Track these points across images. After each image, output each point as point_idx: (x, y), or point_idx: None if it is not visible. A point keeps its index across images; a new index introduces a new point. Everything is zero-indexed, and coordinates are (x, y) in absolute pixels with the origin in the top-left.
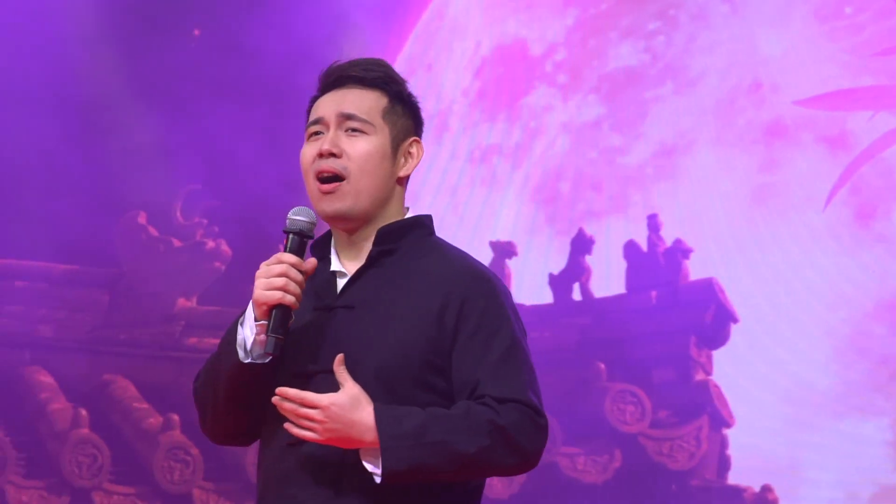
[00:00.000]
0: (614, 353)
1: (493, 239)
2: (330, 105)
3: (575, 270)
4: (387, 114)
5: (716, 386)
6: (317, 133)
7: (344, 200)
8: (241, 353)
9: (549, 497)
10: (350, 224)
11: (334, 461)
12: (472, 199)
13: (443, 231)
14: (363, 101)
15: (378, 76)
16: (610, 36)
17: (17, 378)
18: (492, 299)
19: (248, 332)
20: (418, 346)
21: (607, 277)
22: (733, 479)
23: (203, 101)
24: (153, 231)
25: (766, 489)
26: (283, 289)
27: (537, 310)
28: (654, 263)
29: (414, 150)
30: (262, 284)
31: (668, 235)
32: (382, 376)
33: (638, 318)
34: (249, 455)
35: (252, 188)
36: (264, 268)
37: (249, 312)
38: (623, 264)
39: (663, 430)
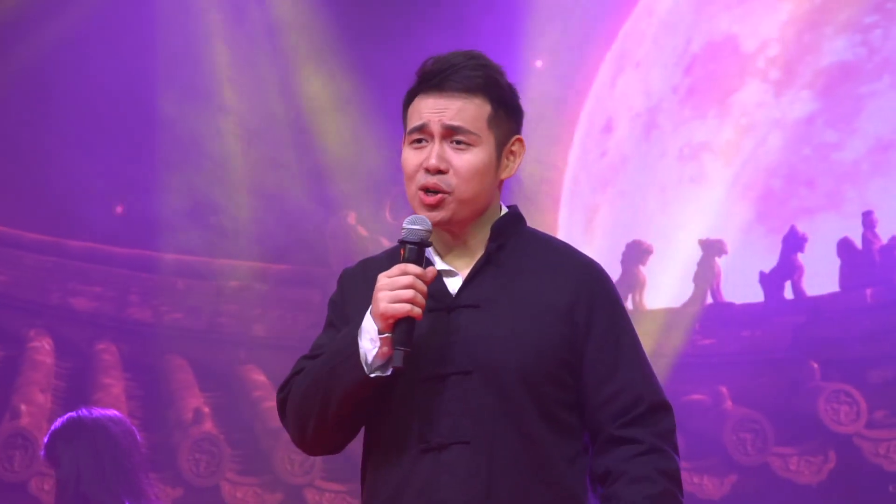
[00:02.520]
0: (828, 352)
1: (703, 237)
2: (433, 113)
3: (787, 269)
4: (491, 121)
5: None
6: (419, 140)
7: (445, 211)
8: (364, 368)
9: (761, 498)
10: (450, 228)
11: (482, 466)
12: (682, 196)
13: (651, 230)
14: (468, 111)
15: (481, 82)
16: (825, 30)
17: (232, 376)
18: (615, 294)
19: (369, 344)
20: (554, 343)
21: (820, 276)
22: None
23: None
24: (363, 231)
25: None
26: (412, 301)
27: (748, 309)
28: (870, 261)
29: (516, 148)
30: (389, 297)
31: (884, 232)
32: (525, 374)
33: (852, 317)
34: None
35: None
36: (387, 280)
37: (369, 325)
38: (837, 262)
39: (880, 431)
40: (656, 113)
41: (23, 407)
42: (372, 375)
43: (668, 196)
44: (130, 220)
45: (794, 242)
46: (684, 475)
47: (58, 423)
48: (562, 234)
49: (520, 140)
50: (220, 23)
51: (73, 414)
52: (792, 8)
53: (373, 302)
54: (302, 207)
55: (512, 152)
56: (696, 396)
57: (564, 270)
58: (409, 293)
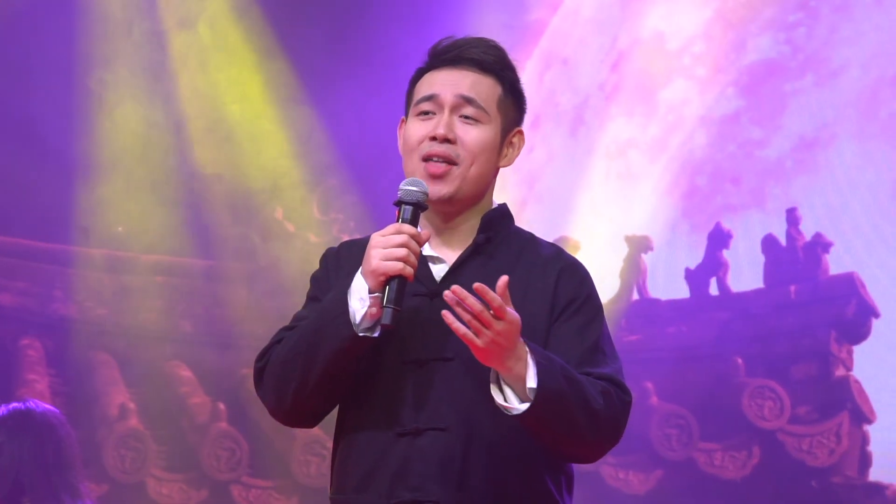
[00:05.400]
0: (752, 348)
1: (629, 233)
2: (447, 85)
3: (712, 265)
4: (501, 103)
5: (856, 381)
6: (427, 112)
7: (451, 185)
8: (353, 326)
9: (686, 493)
10: (449, 208)
11: (457, 455)
12: (609, 193)
13: (578, 226)
14: (482, 87)
15: (496, 61)
16: (750, 28)
17: (158, 372)
18: (592, 292)
19: (358, 304)
20: (535, 332)
21: (745, 272)
22: (875, 475)
23: (339, 95)
24: (290, 227)
25: None
26: (405, 260)
27: (674, 305)
28: (794, 258)
29: (516, 140)
30: (382, 255)
31: (808, 229)
32: None
33: (777, 314)
34: None
35: (390, 183)
36: (381, 238)
37: (359, 284)
38: (761, 259)
39: (803, 427)
40: (583, 110)
41: None
42: (361, 334)
43: (595, 193)
44: (55, 215)
45: (719, 239)
46: (609, 470)
47: (1, 409)
48: None
49: (520, 132)
50: (128, 19)
51: (20, 405)
52: (717, 5)
53: (364, 260)
54: (228, 203)
55: (512, 143)
56: None
57: (550, 265)
58: (403, 251)
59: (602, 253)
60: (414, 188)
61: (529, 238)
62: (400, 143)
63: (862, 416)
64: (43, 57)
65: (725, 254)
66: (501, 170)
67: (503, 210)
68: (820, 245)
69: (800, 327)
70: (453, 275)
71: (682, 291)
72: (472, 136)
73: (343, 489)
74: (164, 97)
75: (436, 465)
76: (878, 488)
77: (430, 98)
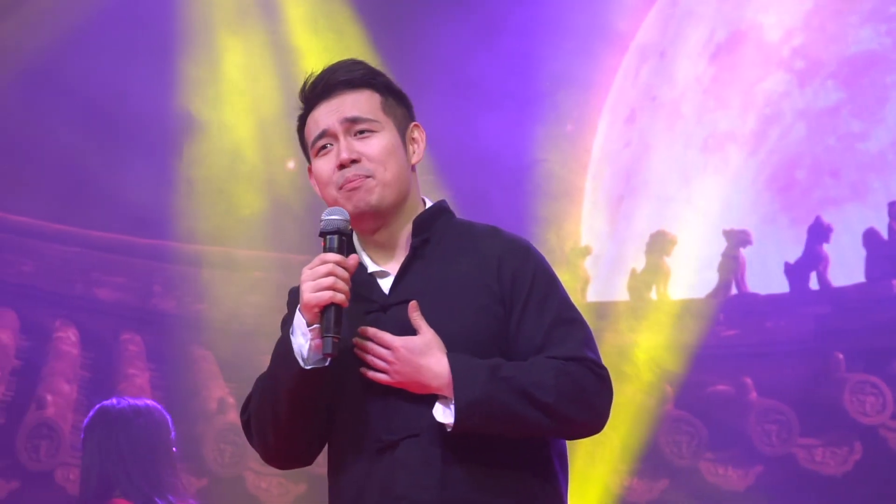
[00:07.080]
0: (853, 343)
1: (727, 227)
2: (330, 115)
3: (812, 259)
4: (385, 108)
5: None
6: (325, 146)
7: (372, 194)
8: (300, 362)
9: (786, 489)
10: (378, 221)
11: (435, 457)
12: (706, 187)
13: (676, 220)
14: (361, 101)
15: (363, 74)
16: (850, 20)
17: (257, 368)
18: (537, 266)
19: (302, 339)
20: (483, 326)
21: (846, 266)
22: None
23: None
24: None
25: None
26: (333, 287)
27: (773, 299)
28: (895, 252)
29: (417, 134)
30: (310, 287)
31: None
32: None
33: (878, 308)
34: None
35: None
36: (308, 271)
37: (299, 320)
38: (862, 253)
39: None
40: (680, 103)
41: (49, 397)
42: (308, 368)
43: (693, 186)
44: (153, 211)
45: (819, 233)
46: (708, 466)
47: (92, 411)
48: (585, 225)
49: (417, 126)
50: (229, 17)
51: (103, 403)
52: None
53: (300, 295)
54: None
55: (413, 139)
56: (720, 387)
57: (487, 251)
58: (329, 280)
59: (700, 247)
60: (334, 216)
61: (468, 229)
62: (316, 187)
63: None
64: (139, 48)
65: (826, 248)
66: (599, 164)
67: (436, 208)
68: None
69: None
70: (398, 285)
71: (781, 286)
72: (374, 145)
73: None
74: (258, 96)
75: (416, 472)
76: None
77: (322, 135)
